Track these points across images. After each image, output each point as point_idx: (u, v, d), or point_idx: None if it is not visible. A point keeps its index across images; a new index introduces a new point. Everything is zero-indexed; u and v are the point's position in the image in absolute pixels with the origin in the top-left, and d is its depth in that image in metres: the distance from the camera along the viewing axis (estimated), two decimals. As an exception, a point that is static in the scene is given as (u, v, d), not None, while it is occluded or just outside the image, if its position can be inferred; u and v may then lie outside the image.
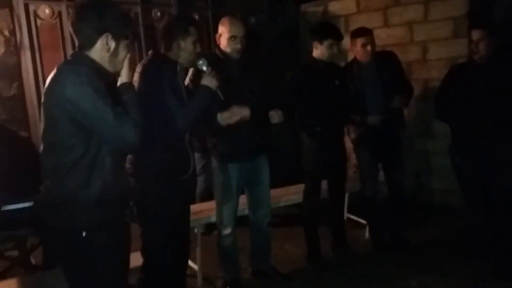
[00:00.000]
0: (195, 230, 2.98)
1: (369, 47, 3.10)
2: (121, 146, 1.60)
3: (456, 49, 4.13)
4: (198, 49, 2.31)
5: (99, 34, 1.58)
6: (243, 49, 2.59)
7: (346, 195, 3.60)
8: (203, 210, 3.09)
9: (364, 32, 3.16)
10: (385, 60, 3.20)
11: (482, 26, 2.89)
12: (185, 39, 2.25)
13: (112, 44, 1.60)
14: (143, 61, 2.27)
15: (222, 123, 2.47)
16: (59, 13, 3.92)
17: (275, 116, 2.62)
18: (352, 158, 4.61)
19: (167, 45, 2.28)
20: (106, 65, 1.62)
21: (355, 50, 3.19)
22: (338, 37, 2.99)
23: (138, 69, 2.21)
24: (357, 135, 3.28)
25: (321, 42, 2.94)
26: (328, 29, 3.04)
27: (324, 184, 3.22)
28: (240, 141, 2.60)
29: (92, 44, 1.59)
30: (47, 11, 3.86)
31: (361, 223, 3.74)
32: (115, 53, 1.62)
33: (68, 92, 1.48)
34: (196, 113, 2.24)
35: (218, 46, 2.65)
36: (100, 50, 1.59)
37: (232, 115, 2.45)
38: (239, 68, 2.62)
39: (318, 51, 2.98)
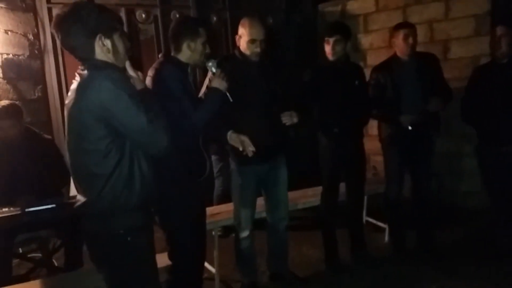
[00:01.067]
0: (213, 233, 3.00)
1: (410, 40, 3.00)
2: (154, 151, 1.61)
3: (478, 47, 4.04)
4: (208, 50, 2.30)
5: (93, 39, 1.56)
6: (262, 52, 2.58)
7: (365, 198, 3.56)
8: (221, 213, 3.10)
9: (407, 25, 3.13)
10: (426, 61, 3.10)
11: (505, 22, 2.87)
12: (195, 40, 2.24)
13: (108, 43, 1.58)
14: (154, 65, 2.26)
15: (229, 140, 2.49)
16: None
17: (288, 118, 2.59)
18: (372, 161, 4.57)
19: (177, 47, 2.28)
20: (115, 63, 1.62)
21: (396, 43, 3.09)
22: (343, 34, 2.91)
23: (151, 73, 2.22)
24: (388, 134, 3.19)
25: (327, 40, 2.89)
26: (334, 26, 3.00)
27: (342, 186, 3.19)
28: (257, 143, 2.60)
29: (92, 51, 1.58)
30: (69, 15, 3.94)
31: (380, 227, 3.70)
32: (115, 50, 1.61)
33: (104, 98, 1.48)
34: (207, 115, 2.23)
35: (237, 47, 2.64)
36: (102, 53, 1.59)
37: (240, 142, 2.46)
38: (257, 70, 2.61)
39: (326, 49, 2.93)
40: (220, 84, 2.26)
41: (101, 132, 1.51)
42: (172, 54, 2.31)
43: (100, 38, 1.57)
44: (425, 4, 4.38)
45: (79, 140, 1.56)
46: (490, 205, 3.14)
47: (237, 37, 2.62)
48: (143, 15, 4.32)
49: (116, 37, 1.61)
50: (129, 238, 1.58)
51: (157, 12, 4.37)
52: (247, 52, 2.57)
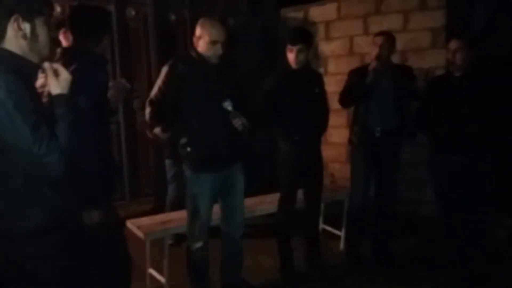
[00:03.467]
0: (164, 241, 2.85)
1: (386, 48, 3.00)
2: (42, 174, 1.32)
3: (435, 59, 4.14)
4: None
5: (6, 18, 1.31)
6: (222, 54, 2.48)
7: (322, 205, 3.53)
8: (173, 220, 2.99)
9: (384, 33, 3.12)
10: (403, 74, 3.11)
11: (460, 36, 2.93)
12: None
13: (27, 27, 1.33)
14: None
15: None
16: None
17: (238, 123, 2.44)
18: (330, 168, 4.58)
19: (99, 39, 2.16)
20: (28, 54, 1.36)
21: (373, 51, 3.06)
22: (307, 43, 2.90)
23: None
24: (358, 139, 3.15)
25: (290, 48, 2.86)
26: (297, 34, 2.96)
27: (300, 193, 3.14)
28: (215, 150, 2.50)
29: (2, 34, 1.32)
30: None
31: (336, 234, 3.69)
32: (33, 37, 1.35)
33: None
34: None
35: (194, 48, 2.52)
36: (15, 38, 1.33)
37: None
38: (216, 73, 2.51)
39: (289, 57, 2.89)
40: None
41: None
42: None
43: (16, 20, 1.32)
44: (385, 14, 4.46)
45: None
46: (439, 214, 3.19)
47: (195, 37, 2.51)
48: (97, 10, 4.10)
49: (38, 22, 1.37)
50: (28, 267, 1.36)
51: (112, 8, 4.16)
52: (208, 54, 2.46)
